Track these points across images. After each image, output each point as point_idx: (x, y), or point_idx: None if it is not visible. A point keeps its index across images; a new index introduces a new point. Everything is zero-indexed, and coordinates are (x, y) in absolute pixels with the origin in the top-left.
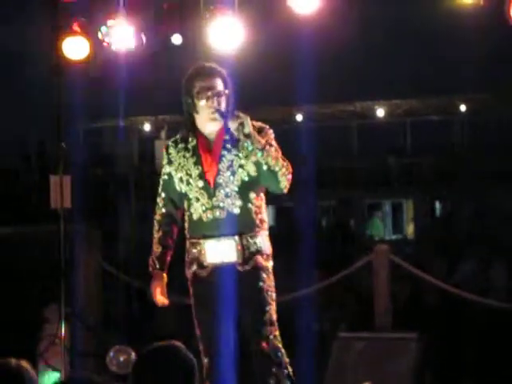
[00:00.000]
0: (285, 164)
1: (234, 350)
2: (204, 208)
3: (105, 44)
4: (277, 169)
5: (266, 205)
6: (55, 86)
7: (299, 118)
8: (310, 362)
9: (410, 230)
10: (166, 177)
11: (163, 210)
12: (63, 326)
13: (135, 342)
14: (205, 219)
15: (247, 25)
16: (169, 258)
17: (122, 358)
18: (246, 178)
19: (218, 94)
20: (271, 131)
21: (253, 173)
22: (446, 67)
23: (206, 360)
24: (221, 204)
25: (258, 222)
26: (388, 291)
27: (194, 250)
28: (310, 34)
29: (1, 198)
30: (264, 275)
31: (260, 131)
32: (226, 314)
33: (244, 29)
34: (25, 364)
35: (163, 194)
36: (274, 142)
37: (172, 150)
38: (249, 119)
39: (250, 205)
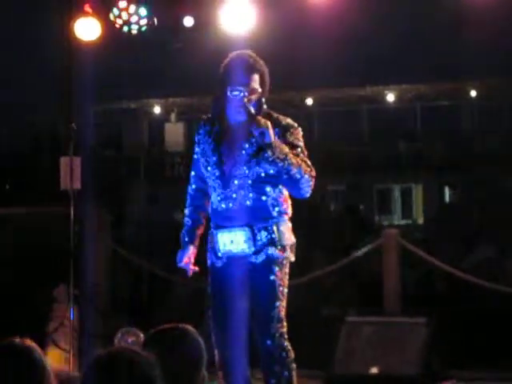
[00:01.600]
0: (308, 170)
1: (245, 341)
2: (219, 198)
3: (116, 25)
4: (298, 176)
5: None
6: (67, 67)
7: (309, 101)
8: (319, 347)
9: (419, 214)
10: (195, 156)
11: (193, 186)
12: (72, 307)
13: (144, 323)
14: (219, 209)
15: (259, 8)
16: (199, 232)
17: (130, 340)
18: (263, 174)
19: (251, 92)
20: (299, 130)
21: (271, 172)
22: (456, 52)
23: (216, 351)
24: (233, 195)
25: (275, 213)
26: (397, 275)
27: (210, 240)
28: (321, 19)
29: (13, 180)
30: (276, 268)
31: (286, 129)
32: (238, 306)
33: (256, 12)
34: (30, 343)
35: (193, 172)
36: (300, 142)
37: (201, 131)
38: (270, 126)
39: (264, 197)
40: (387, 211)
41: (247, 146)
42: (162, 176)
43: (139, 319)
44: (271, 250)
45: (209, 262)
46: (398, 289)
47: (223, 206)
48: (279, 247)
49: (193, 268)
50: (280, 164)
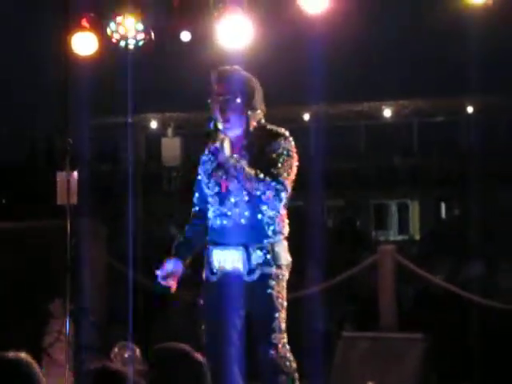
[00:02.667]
0: (272, 185)
1: (238, 356)
2: (214, 214)
3: (113, 40)
4: (258, 193)
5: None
6: (63, 81)
7: (306, 117)
8: (315, 362)
9: (415, 230)
10: (198, 177)
11: (196, 208)
12: (68, 321)
13: (140, 338)
14: (215, 225)
15: (256, 23)
16: (190, 250)
17: (126, 355)
18: (258, 192)
19: (226, 101)
20: (287, 140)
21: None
22: (453, 68)
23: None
24: (228, 213)
25: (270, 233)
26: (393, 291)
27: (206, 255)
28: (318, 34)
29: (9, 194)
30: (273, 282)
31: (274, 138)
32: (231, 321)
33: (253, 27)
34: (25, 357)
35: (196, 194)
36: (283, 151)
37: (206, 152)
38: (226, 142)
39: (260, 215)
40: (384, 227)
41: (242, 159)
42: (159, 190)
43: (136, 333)
44: (266, 269)
45: (204, 276)
46: (394, 304)
47: (218, 222)
48: (274, 267)
49: (169, 282)
50: (234, 181)
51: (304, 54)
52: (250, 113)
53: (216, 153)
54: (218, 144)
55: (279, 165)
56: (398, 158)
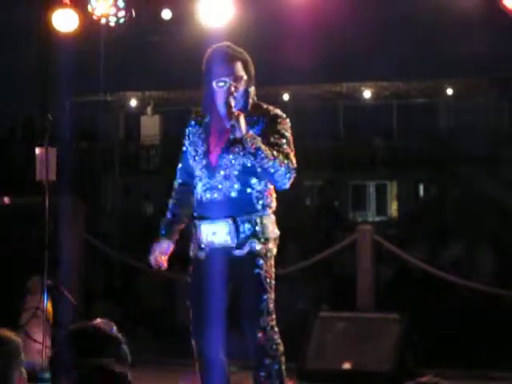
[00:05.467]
0: (285, 162)
1: (223, 332)
2: (204, 188)
3: (94, 17)
4: (272, 170)
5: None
6: (44, 58)
7: (286, 97)
8: (291, 341)
9: (393, 211)
10: (184, 148)
11: (179, 180)
12: (45, 298)
13: (118, 314)
14: (203, 199)
15: (237, 2)
16: (178, 227)
17: None
18: (249, 164)
19: (237, 80)
20: (286, 120)
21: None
22: (433, 50)
23: (193, 342)
24: (219, 185)
25: (259, 206)
26: (371, 271)
27: (194, 231)
28: (298, 14)
29: None
30: (261, 261)
31: (274, 119)
32: (218, 297)
33: (233, 5)
34: (6, 332)
35: (180, 165)
36: (287, 133)
37: (192, 122)
38: (242, 119)
39: (249, 189)
40: (362, 207)
41: (232, 136)
42: (137, 168)
43: (113, 309)
44: (254, 243)
45: (191, 253)
46: (371, 285)
47: (208, 196)
48: (262, 240)
49: (162, 263)
50: (252, 158)
51: (284, 33)
52: (250, 89)
53: (232, 128)
54: (233, 121)
55: (286, 146)
56: (377, 140)
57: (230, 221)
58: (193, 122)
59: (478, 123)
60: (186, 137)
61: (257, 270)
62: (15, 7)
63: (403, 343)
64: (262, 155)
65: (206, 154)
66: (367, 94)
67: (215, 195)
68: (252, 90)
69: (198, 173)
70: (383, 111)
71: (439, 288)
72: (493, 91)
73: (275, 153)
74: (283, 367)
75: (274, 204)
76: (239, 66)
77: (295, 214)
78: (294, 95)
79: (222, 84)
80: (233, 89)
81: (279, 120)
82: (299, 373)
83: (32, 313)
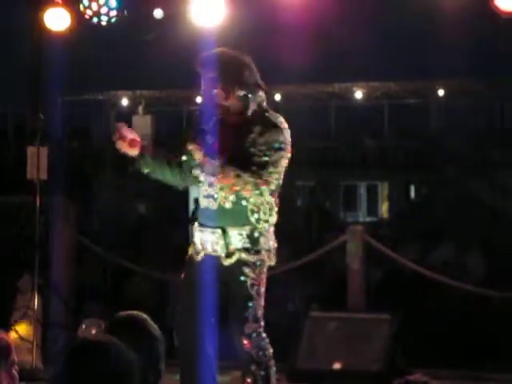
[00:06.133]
0: (250, 181)
1: (213, 339)
2: (203, 195)
3: (86, 16)
4: (237, 188)
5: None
6: (35, 56)
7: (277, 97)
8: (282, 342)
9: (384, 212)
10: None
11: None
12: (36, 297)
13: (108, 314)
14: (202, 206)
15: (229, 1)
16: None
17: (93, 331)
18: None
19: (210, 84)
20: (281, 132)
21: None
22: (425, 51)
23: (175, 343)
24: (215, 195)
25: (252, 220)
26: (362, 272)
27: (192, 234)
28: (291, 14)
29: None
30: (247, 269)
31: (268, 128)
32: (208, 304)
33: (226, 5)
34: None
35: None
36: (263, 147)
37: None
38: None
39: (244, 202)
40: (353, 208)
41: (235, 142)
42: (128, 168)
43: (103, 309)
44: (242, 254)
45: (189, 252)
46: (362, 285)
47: (205, 203)
48: (252, 252)
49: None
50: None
51: (276, 34)
52: (240, 93)
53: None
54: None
55: (265, 158)
56: (369, 140)
57: (219, 231)
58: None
59: (469, 124)
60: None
61: (242, 278)
62: (5, 6)
63: (393, 343)
64: (221, 177)
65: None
66: (359, 94)
67: (211, 204)
68: (256, 95)
69: (201, 178)
70: (375, 112)
71: (429, 288)
72: (484, 92)
73: (239, 172)
74: (271, 372)
75: (272, 218)
76: (212, 70)
77: (286, 215)
78: (285, 95)
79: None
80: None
81: (273, 130)
82: (290, 372)
83: (23, 312)
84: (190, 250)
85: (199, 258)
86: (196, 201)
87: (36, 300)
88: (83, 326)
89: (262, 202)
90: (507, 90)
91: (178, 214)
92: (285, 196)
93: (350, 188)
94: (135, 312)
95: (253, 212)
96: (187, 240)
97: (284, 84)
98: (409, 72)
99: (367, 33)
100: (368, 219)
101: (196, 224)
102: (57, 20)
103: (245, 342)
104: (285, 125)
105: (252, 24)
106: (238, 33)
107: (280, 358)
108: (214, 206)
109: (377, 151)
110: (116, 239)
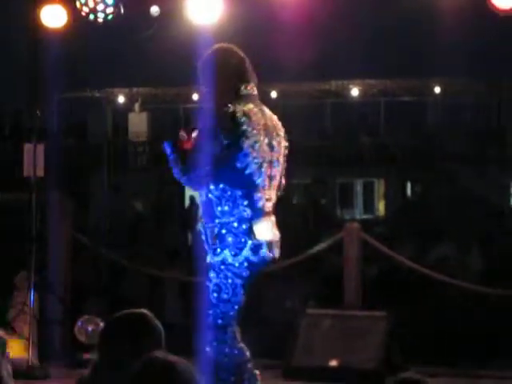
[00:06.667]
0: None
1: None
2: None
3: (83, 13)
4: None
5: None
6: (32, 54)
7: (273, 94)
8: (279, 339)
9: (380, 209)
10: None
11: None
12: (32, 294)
13: (105, 312)
14: (198, 201)
15: None
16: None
17: (90, 328)
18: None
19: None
20: (229, 122)
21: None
22: (421, 49)
23: None
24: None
25: (218, 213)
26: (358, 269)
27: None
28: (287, 12)
29: None
30: (212, 274)
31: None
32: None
33: (222, 2)
34: None
35: None
36: (220, 133)
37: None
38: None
39: (210, 195)
40: (349, 205)
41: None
42: (125, 165)
43: (100, 306)
44: (214, 252)
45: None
46: (358, 283)
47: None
48: (218, 250)
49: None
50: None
51: (273, 31)
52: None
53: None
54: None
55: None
56: (365, 137)
57: (200, 225)
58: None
59: (466, 122)
60: None
61: (206, 283)
62: (1, 3)
63: (389, 341)
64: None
65: None
66: (355, 91)
67: (202, 197)
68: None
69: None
70: (371, 109)
71: (425, 286)
72: (481, 90)
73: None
74: (246, 375)
75: (239, 213)
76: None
77: (282, 212)
78: (281, 93)
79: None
80: None
81: (223, 117)
82: (286, 369)
83: (19, 309)
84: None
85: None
86: (192, 199)
87: (32, 297)
88: (79, 324)
89: (223, 195)
90: (504, 88)
91: (174, 211)
92: (280, 193)
93: (347, 185)
94: (135, 310)
95: (217, 205)
96: (183, 238)
97: (280, 81)
98: (405, 69)
99: (363, 30)
100: (364, 217)
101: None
102: (53, 17)
103: (207, 349)
104: (236, 114)
105: (249, 22)
106: (235, 30)
107: (276, 355)
108: (199, 200)
109: (373, 148)
110: (113, 236)
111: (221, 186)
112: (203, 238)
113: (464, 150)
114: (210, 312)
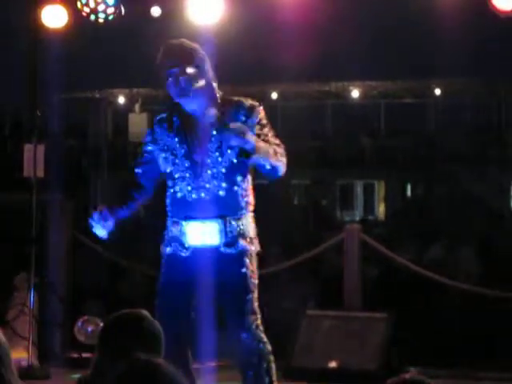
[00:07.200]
0: (278, 151)
1: (192, 337)
2: (190, 188)
3: (83, 13)
4: (268, 166)
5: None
6: (32, 54)
7: (274, 95)
8: (279, 340)
9: (380, 211)
10: (147, 155)
11: (137, 182)
12: (32, 294)
13: (105, 312)
14: (189, 199)
15: None
16: (121, 211)
17: (90, 329)
18: (235, 160)
19: (181, 73)
20: (261, 108)
21: (243, 155)
22: (421, 50)
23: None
24: (206, 185)
25: (243, 204)
26: (358, 270)
27: (175, 230)
28: (288, 13)
29: None
30: (247, 260)
31: (251, 110)
32: (203, 298)
33: (223, 3)
34: None
35: (140, 170)
36: (265, 121)
37: (158, 129)
38: (246, 130)
39: (236, 187)
40: (349, 207)
41: (215, 132)
42: (125, 166)
43: (100, 307)
44: (242, 242)
45: (170, 250)
46: (358, 284)
47: (194, 196)
48: (248, 239)
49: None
50: (263, 163)
51: (273, 32)
52: (214, 84)
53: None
54: (243, 137)
55: (272, 137)
56: (365, 139)
57: (219, 220)
58: (158, 129)
59: (466, 123)
60: (152, 142)
61: (243, 270)
62: (2, 3)
63: (389, 342)
64: (271, 155)
65: (189, 154)
66: (355, 93)
67: (202, 195)
68: (215, 85)
69: (179, 174)
70: (371, 111)
71: (425, 287)
72: (481, 91)
73: (274, 147)
74: (272, 365)
75: (253, 201)
76: (185, 59)
77: (283, 213)
78: (282, 94)
79: (169, 78)
80: (178, 81)
81: (256, 109)
82: (286, 370)
83: (19, 309)
84: (171, 247)
85: (186, 253)
86: None
87: (32, 297)
88: (79, 324)
89: (248, 186)
90: (505, 89)
91: None
92: (281, 195)
93: (347, 187)
94: (134, 310)
95: (243, 196)
96: None
97: (281, 83)
98: (405, 71)
99: (364, 32)
100: (364, 218)
101: (183, 218)
102: (54, 17)
103: (244, 335)
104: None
105: (249, 23)
106: (236, 31)
107: (276, 356)
108: (207, 196)
109: (373, 150)
110: (113, 237)
111: (249, 176)
112: (218, 230)
113: (464, 151)
114: (250, 297)
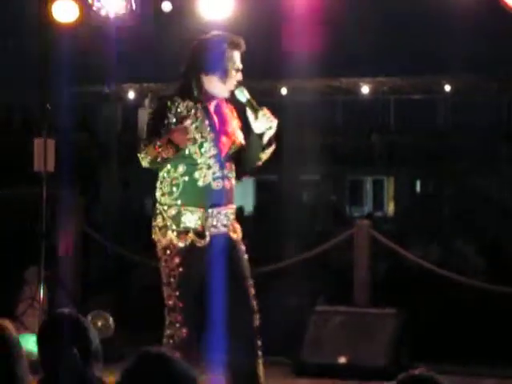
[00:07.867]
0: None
1: (222, 321)
2: (214, 176)
3: (94, 8)
4: (263, 156)
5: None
6: (43, 48)
7: (284, 91)
8: (288, 336)
9: (390, 207)
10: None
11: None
12: (42, 288)
13: (114, 306)
14: (215, 187)
15: None
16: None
17: (100, 323)
18: (237, 149)
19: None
20: None
21: (242, 141)
22: (432, 47)
23: (184, 330)
24: (229, 174)
25: (233, 199)
26: (368, 266)
27: (192, 219)
28: (298, 9)
29: None
30: (243, 247)
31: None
32: (219, 287)
33: None
34: (6, 323)
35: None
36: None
37: (181, 106)
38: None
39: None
40: (359, 203)
41: (235, 122)
42: (135, 161)
43: (109, 301)
44: (238, 229)
45: (185, 242)
46: (368, 279)
47: (218, 184)
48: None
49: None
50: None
51: (283, 28)
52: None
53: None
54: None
55: None
56: (375, 135)
57: (234, 207)
58: (181, 106)
59: (476, 120)
60: (176, 116)
61: (246, 255)
62: None
63: (399, 338)
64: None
65: (216, 142)
66: (365, 89)
67: (225, 184)
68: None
69: (203, 160)
70: (381, 107)
71: (435, 284)
72: (491, 88)
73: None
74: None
75: None
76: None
77: (292, 209)
78: (291, 89)
79: (235, 70)
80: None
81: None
82: (295, 366)
83: (28, 303)
84: (187, 237)
85: (203, 242)
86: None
87: (42, 291)
88: (89, 318)
89: None
90: None
91: None
92: (290, 190)
93: (356, 183)
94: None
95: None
96: None
97: (290, 78)
98: (416, 67)
99: (375, 28)
100: (374, 214)
101: (202, 207)
102: (65, 12)
103: (256, 317)
104: None
105: (259, 18)
106: (246, 26)
107: (285, 352)
108: (228, 185)
109: (383, 146)
110: (123, 231)
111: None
112: (234, 218)
113: (474, 148)
114: (252, 282)
